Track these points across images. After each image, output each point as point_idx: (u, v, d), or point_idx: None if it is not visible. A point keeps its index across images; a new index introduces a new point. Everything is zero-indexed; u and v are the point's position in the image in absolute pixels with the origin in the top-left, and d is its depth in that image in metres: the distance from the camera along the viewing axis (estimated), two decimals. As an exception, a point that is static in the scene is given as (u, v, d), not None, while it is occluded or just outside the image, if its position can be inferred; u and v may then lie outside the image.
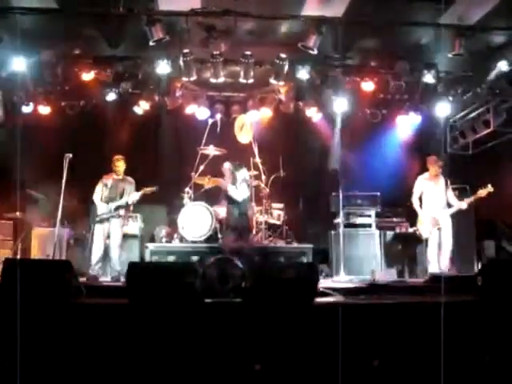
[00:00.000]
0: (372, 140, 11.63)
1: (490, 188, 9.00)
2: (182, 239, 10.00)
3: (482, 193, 8.98)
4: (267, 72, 9.81)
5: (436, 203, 9.25)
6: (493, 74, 9.52)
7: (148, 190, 9.34)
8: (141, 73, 9.97)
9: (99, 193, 9.28)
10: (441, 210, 9.19)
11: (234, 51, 9.27)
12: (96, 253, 9.03)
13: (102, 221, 9.13)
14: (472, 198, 9.07)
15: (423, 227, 9.33)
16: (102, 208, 9.14)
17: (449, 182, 9.28)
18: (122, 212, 9.25)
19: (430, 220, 9.24)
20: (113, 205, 9.14)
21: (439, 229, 9.17)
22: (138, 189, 9.38)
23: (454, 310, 6.05)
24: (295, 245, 10.27)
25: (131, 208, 9.51)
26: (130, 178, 9.48)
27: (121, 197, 9.22)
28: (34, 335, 5.50)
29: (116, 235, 9.19)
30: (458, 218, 9.52)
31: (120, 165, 9.38)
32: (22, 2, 8.06)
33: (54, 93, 10.61)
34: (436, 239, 9.13)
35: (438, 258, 9.07)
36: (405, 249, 9.92)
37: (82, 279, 7.71)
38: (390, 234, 10.34)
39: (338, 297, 6.91)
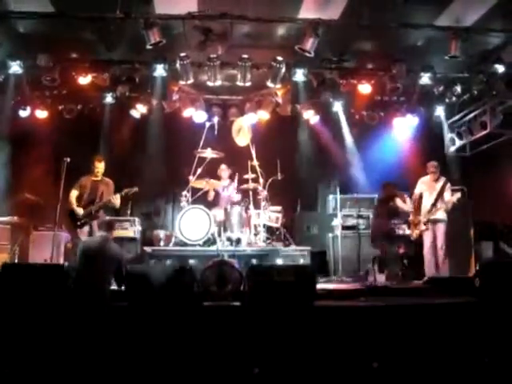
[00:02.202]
0: (369, 142, 11.64)
1: (458, 195, 9.07)
2: (180, 242, 9.98)
3: (453, 199, 9.05)
4: (264, 75, 9.82)
5: (428, 206, 9.26)
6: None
7: (127, 191, 9.21)
8: (138, 76, 9.96)
9: (76, 195, 8.89)
10: (427, 214, 9.21)
11: (230, 54, 9.28)
12: None
13: (82, 225, 8.81)
14: (449, 205, 9.10)
15: (411, 229, 9.39)
16: (80, 211, 8.77)
17: (448, 186, 9.25)
18: (101, 214, 8.92)
19: (416, 222, 9.27)
20: (93, 208, 8.80)
21: (424, 230, 9.18)
22: (116, 190, 9.17)
23: (452, 312, 6.06)
24: (293, 247, 10.26)
25: (128, 212, 9.42)
26: (107, 180, 9.16)
27: (100, 199, 8.90)
28: (32, 338, 5.50)
29: None
30: (456, 218, 9.53)
31: (101, 166, 9.06)
32: (20, 6, 8.06)
33: (52, 97, 10.64)
34: (430, 241, 9.13)
35: (434, 260, 9.06)
36: (403, 250, 9.89)
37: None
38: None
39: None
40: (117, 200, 8.95)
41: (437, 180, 9.36)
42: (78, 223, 8.80)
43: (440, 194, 9.17)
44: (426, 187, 9.41)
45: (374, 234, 9.59)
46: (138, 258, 10.01)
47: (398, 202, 9.34)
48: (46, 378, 5.43)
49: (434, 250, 9.12)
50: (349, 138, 11.69)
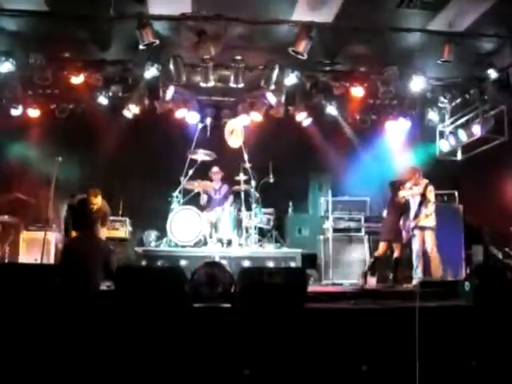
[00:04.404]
0: (361, 145, 11.66)
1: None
2: (171, 243, 9.97)
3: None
4: (257, 76, 9.83)
5: (413, 210, 9.27)
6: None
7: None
8: (131, 76, 9.96)
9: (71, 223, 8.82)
10: (413, 221, 9.21)
11: (224, 56, 9.28)
12: None
13: None
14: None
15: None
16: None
17: (429, 189, 9.20)
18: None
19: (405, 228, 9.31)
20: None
21: (411, 236, 9.20)
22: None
23: (441, 315, 6.08)
24: (284, 249, 10.27)
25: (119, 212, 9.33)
26: (103, 209, 8.95)
27: (95, 223, 8.79)
28: (25, 339, 5.48)
29: None
30: (446, 222, 9.55)
31: (97, 201, 8.81)
32: (12, 4, 8.03)
33: (44, 96, 10.58)
34: (419, 247, 9.13)
35: (422, 266, 9.07)
36: (397, 254, 9.91)
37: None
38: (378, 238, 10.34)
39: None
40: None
41: (416, 185, 9.29)
42: None
43: (422, 200, 9.12)
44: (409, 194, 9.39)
45: (382, 232, 9.63)
46: (129, 258, 10.00)
47: (403, 192, 9.29)
48: (36, 378, 5.41)
49: (423, 255, 9.11)
50: (341, 141, 11.73)
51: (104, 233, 8.86)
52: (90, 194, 8.76)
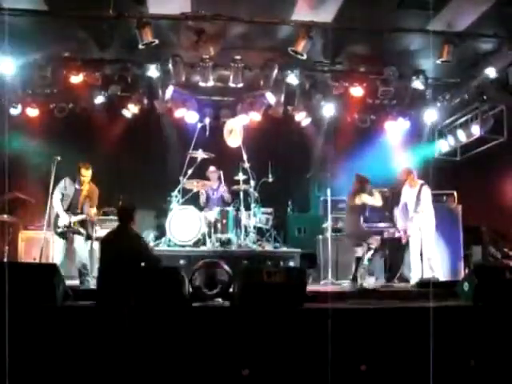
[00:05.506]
0: (360, 145, 11.66)
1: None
2: (170, 243, 9.97)
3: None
4: (257, 76, 9.82)
5: (410, 211, 9.26)
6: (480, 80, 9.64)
7: (109, 211, 9.31)
8: (130, 76, 9.94)
9: (59, 198, 8.31)
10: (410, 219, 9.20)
11: (223, 55, 9.28)
12: (62, 265, 7.61)
13: (63, 234, 8.26)
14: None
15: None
16: (64, 219, 8.21)
17: (424, 188, 9.19)
18: (83, 229, 8.28)
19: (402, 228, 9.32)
20: (74, 218, 8.20)
21: (408, 236, 9.19)
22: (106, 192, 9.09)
23: (440, 315, 6.08)
24: (283, 249, 10.27)
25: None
26: (92, 188, 8.52)
27: (81, 209, 8.30)
28: (21, 338, 5.47)
29: (82, 254, 8.25)
30: (445, 223, 9.56)
31: (88, 174, 8.38)
32: (12, 3, 8.01)
33: (43, 95, 10.56)
34: (418, 245, 9.11)
35: (421, 265, 9.06)
36: (392, 254, 9.91)
37: (70, 282, 7.59)
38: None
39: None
40: (95, 216, 8.57)
41: (412, 186, 9.29)
42: (58, 230, 8.26)
43: (418, 200, 9.11)
44: (407, 193, 9.38)
45: (347, 233, 9.55)
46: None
47: (364, 197, 9.18)
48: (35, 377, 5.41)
49: (421, 255, 9.10)
50: (340, 141, 11.74)
51: (93, 213, 8.44)
52: (81, 166, 8.38)
